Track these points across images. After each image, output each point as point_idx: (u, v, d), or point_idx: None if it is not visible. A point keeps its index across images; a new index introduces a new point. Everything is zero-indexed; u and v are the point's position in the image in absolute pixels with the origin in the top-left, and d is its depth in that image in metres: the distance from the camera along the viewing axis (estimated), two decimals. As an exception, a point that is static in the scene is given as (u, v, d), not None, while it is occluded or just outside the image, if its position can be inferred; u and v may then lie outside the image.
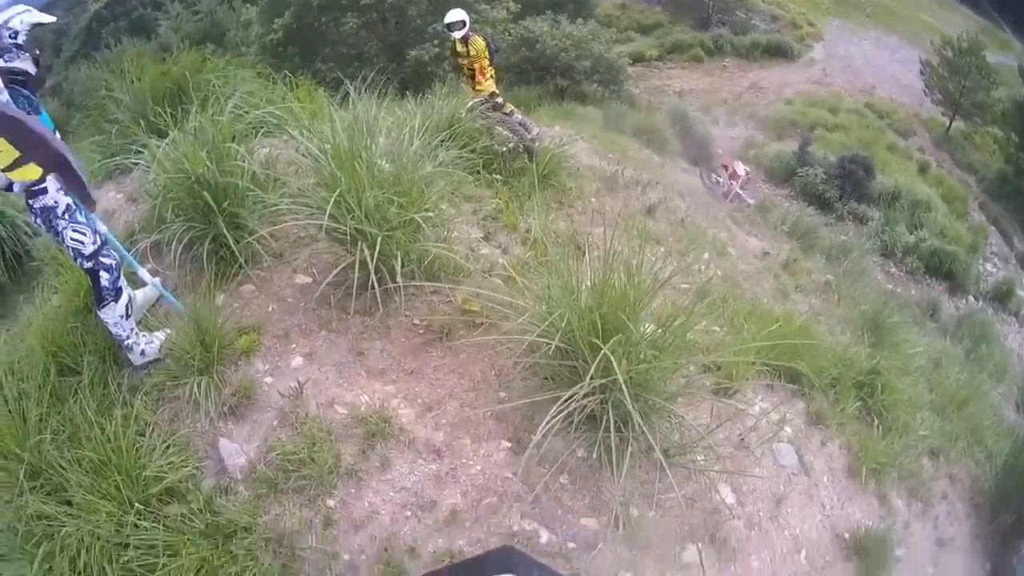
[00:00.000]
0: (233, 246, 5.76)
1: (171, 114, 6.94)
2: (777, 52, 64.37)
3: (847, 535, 6.38)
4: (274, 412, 5.13)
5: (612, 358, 4.50)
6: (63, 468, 4.78)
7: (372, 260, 5.32)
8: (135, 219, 6.58)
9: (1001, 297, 37.04)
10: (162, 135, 6.43)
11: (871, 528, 6.55)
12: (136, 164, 6.87)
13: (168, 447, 4.93)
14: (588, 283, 5.16)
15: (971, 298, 35.85)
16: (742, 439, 6.03)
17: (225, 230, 5.74)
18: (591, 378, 4.55)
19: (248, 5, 43.48)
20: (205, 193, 5.70)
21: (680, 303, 5.48)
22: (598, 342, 4.65)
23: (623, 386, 4.43)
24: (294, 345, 5.51)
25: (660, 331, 5.08)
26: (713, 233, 12.29)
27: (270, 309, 5.74)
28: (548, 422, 4.50)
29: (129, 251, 5.65)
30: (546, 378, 5.24)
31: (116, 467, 4.74)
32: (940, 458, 8.67)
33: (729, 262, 11.06)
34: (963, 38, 55.41)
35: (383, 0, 35.08)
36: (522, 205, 8.15)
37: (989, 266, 40.84)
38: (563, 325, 4.87)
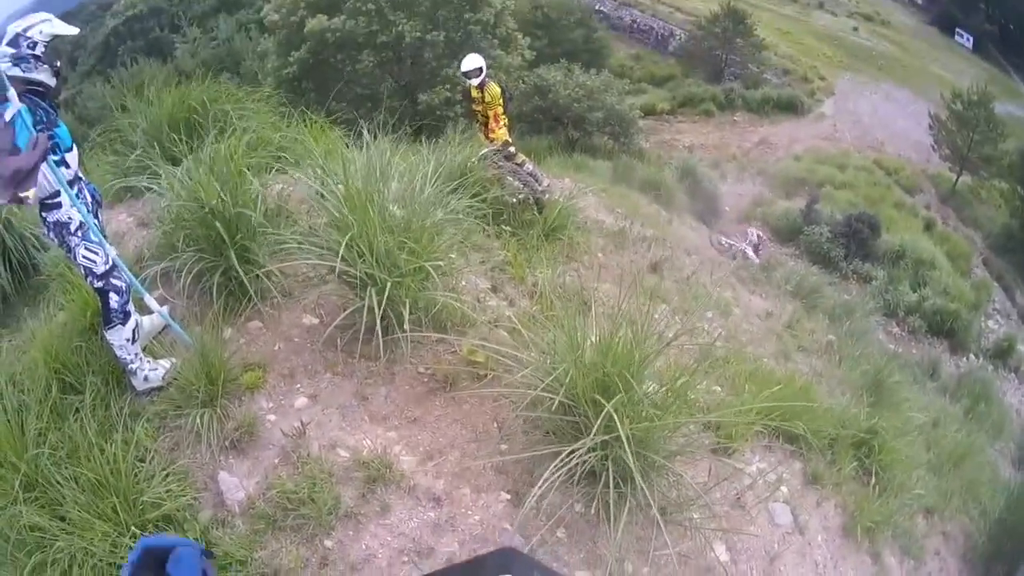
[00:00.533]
0: (244, 280, 5.80)
1: (186, 141, 7.07)
2: (788, 107, 64.92)
3: None
4: (276, 450, 5.16)
5: (615, 416, 4.56)
6: (60, 484, 4.82)
7: (380, 306, 5.38)
8: (145, 244, 6.61)
9: (1002, 353, 37.31)
10: (176, 162, 6.53)
11: None
12: (149, 189, 6.86)
13: (167, 475, 4.95)
14: (593, 339, 5.22)
15: (972, 356, 36.01)
16: (738, 498, 6.07)
17: (236, 264, 5.78)
18: (593, 435, 4.61)
19: (266, 35, 43.58)
20: (218, 224, 5.73)
21: (683, 362, 5.55)
22: (601, 399, 4.71)
23: (625, 444, 4.50)
24: (299, 385, 5.54)
25: (663, 390, 5.15)
26: (718, 292, 12.34)
27: (276, 347, 5.77)
28: (549, 476, 4.56)
29: (138, 276, 5.65)
30: (548, 432, 5.31)
31: (114, 489, 4.76)
32: (935, 516, 8.76)
33: (732, 322, 11.10)
34: (973, 90, 55.50)
35: (400, 40, 35.40)
36: (530, 257, 8.24)
37: (991, 323, 41.11)
38: (567, 380, 4.92)
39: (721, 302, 11.67)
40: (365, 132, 6.50)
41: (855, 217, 39.92)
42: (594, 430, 4.61)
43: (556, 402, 4.91)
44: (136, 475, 4.90)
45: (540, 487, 4.55)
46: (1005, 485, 11.44)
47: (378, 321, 5.40)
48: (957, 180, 55.98)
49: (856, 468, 7.78)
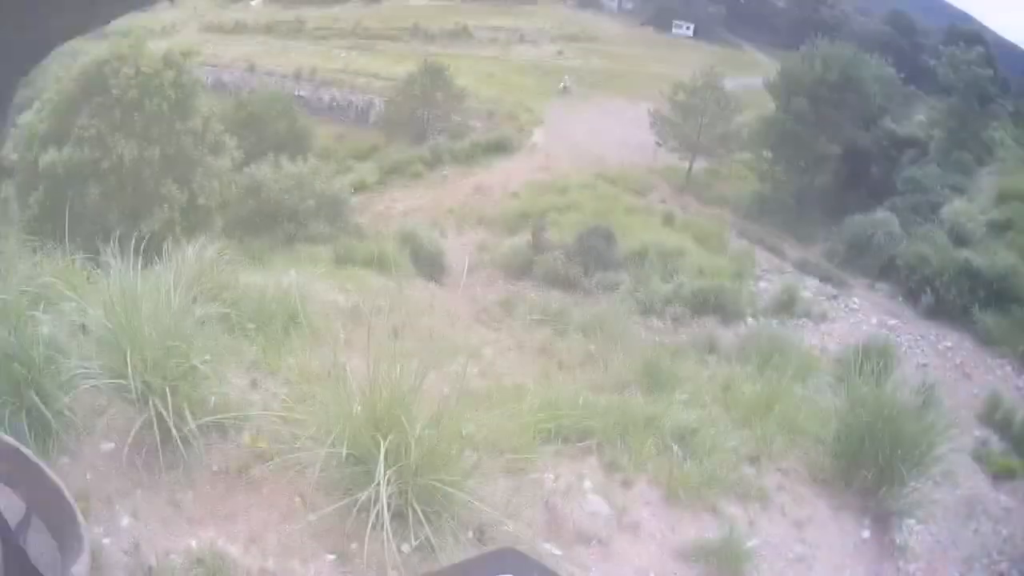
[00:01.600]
0: (48, 416, 5.86)
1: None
2: (498, 148, 68.05)
3: (688, 550, 6.85)
4: (120, 570, 5.28)
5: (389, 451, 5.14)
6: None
7: (169, 413, 5.73)
8: None
9: (785, 307, 40.18)
10: None
11: (710, 537, 7.02)
12: None
13: None
14: (358, 396, 5.73)
15: (749, 320, 37.79)
16: (546, 503, 6.53)
17: (39, 401, 5.84)
18: (381, 470, 5.11)
19: (6, 179, 43.00)
20: (15, 364, 5.83)
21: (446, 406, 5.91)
22: (379, 437, 5.24)
23: (412, 470, 5.19)
24: (118, 507, 5.69)
25: (431, 428, 5.62)
26: (464, 338, 12.57)
27: (88, 476, 5.90)
28: (358, 528, 5.18)
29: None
30: (348, 489, 5.62)
31: None
32: (762, 460, 9.14)
33: (485, 362, 11.66)
34: (697, 76, 57.52)
35: (120, 163, 36.21)
36: (278, 349, 8.57)
37: (763, 284, 43.82)
38: (345, 435, 5.45)
39: (469, 347, 12.08)
40: (111, 260, 6.76)
41: (586, 233, 42.25)
42: (380, 461, 5.11)
43: (344, 455, 5.48)
44: None
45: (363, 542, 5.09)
46: (832, 408, 11.78)
47: (171, 428, 5.74)
48: (690, 167, 59.14)
49: (655, 446, 8.16)
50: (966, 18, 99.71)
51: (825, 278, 45.10)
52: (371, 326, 9.10)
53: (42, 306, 7.17)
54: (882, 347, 25.26)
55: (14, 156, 38.61)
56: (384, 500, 5.01)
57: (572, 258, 40.12)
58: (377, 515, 5.01)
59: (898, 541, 9.11)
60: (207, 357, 6.27)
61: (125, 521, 5.59)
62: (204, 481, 6.01)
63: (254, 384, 7.44)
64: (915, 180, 51.74)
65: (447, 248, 40.87)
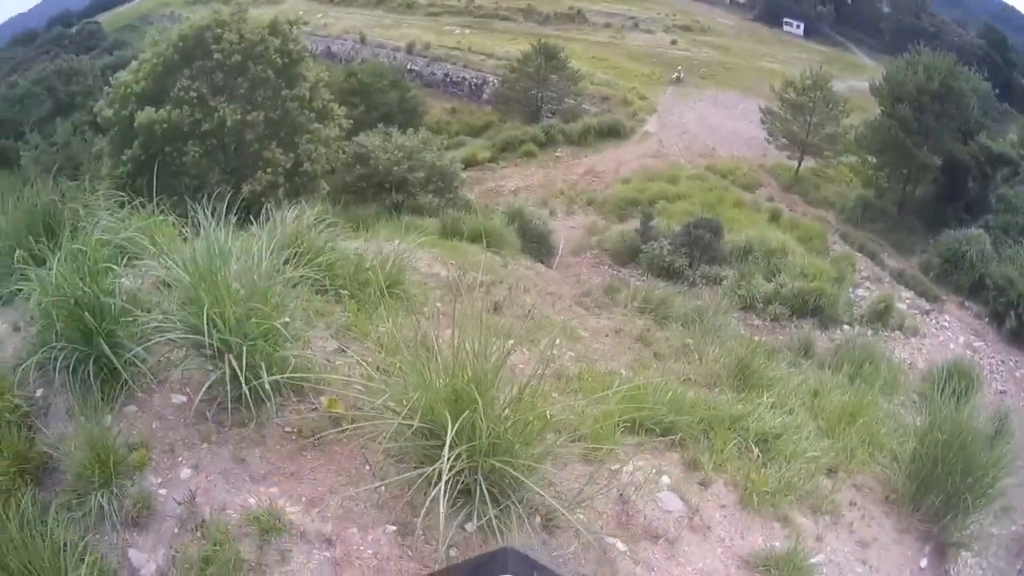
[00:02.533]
0: (118, 365, 5.92)
1: (45, 243, 7.13)
2: (610, 133, 67.19)
3: (752, 558, 6.62)
4: (173, 520, 5.29)
5: (464, 428, 4.96)
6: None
7: (241, 370, 5.59)
8: (22, 346, 6.68)
9: (880, 316, 39.39)
10: (39, 263, 6.61)
11: (778, 547, 6.81)
12: (18, 293, 7.00)
13: (82, 561, 5.00)
14: (439, 364, 5.55)
15: (845, 327, 37.40)
16: (621, 495, 6.33)
17: (107, 350, 5.91)
18: (449, 447, 4.88)
19: (100, 136, 43.41)
20: (86, 314, 5.87)
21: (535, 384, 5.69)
22: (452, 412, 5.05)
23: (483, 450, 5.01)
24: (180, 458, 5.68)
25: (513, 403, 5.40)
26: (563, 319, 12.42)
27: (153, 426, 5.90)
28: (423, 501, 4.93)
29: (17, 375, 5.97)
30: (418, 462, 5.49)
31: None
32: (839, 473, 8.96)
33: (582, 344, 11.38)
34: (806, 75, 56.96)
35: (222, 125, 36.27)
36: (370, 315, 8.40)
37: (861, 291, 42.77)
38: (422, 405, 5.27)
39: (567, 328, 11.84)
40: (201, 218, 6.64)
41: (694, 224, 41.36)
42: (448, 442, 4.89)
43: (415, 427, 5.28)
44: (57, 564, 4.95)
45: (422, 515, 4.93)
46: (914, 429, 11.60)
47: (244, 387, 5.62)
48: (799, 166, 57.75)
49: (737, 447, 8.00)
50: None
51: (920, 291, 44.06)
52: (464, 299, 9.19)
53: (124, 259, 7.28)
54: (966, 370, 24.83)
55: (108, 112, 38.80)
56: (447, 476, 4.83)
57: (678, 248, 39.78)
58: (441, 491, 4.83)
59: (948, 570, 8.92)
60: (288, 319, 6.21)
61: (185, 472, 5.59)
62: (274, 441, 5.96)
63: (340, 350, 7.36)
64: (1007, 200, 50.45)
65: (555, 229, 40.26)
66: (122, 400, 6.05)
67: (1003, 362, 39.63)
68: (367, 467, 5.82)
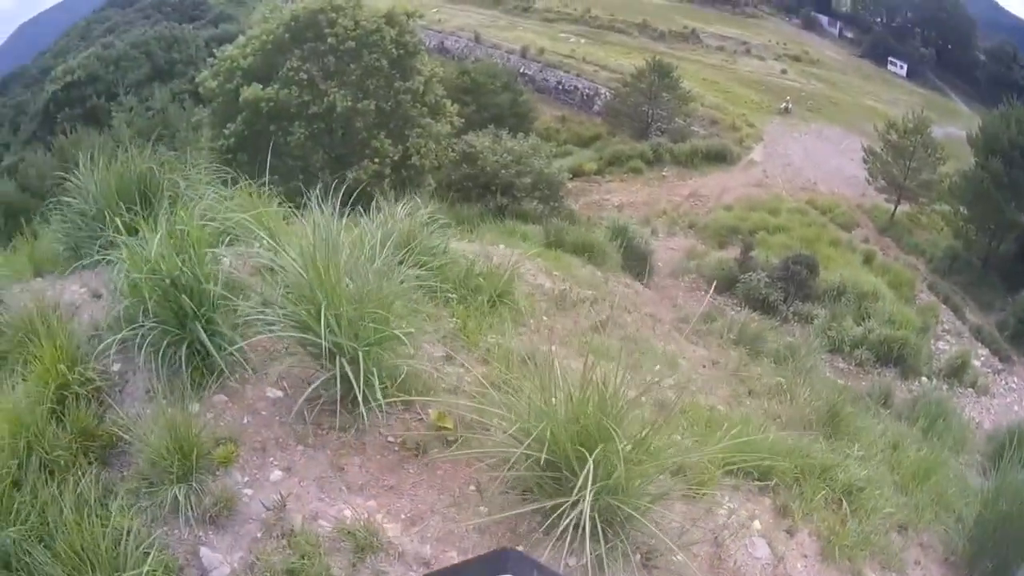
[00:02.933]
0: (215, 354, 5.74)
1: (137, 212, 7.09)
2: (717, 157, 66.32)
3: None
4: (257, 524, 5.10)
5: (594, 467, 4.69)
6: (37, 565, 4.68)
7: (360, 377, 5.43)
8: (101, 316, 6.58)
9: (956, 371, 38.32)
10: (130, 231, 6.41)
11: None
12: (102, 259, 6.84)
13: (146, 553, 4.80)
14: (564, 396, 5.30)
15: (924, 379, 36.58)
16: (716, 538, 6.18)
17: (205, 338, 5.73)
18: (579, 489, 4.71)
19: (200, 106, 43.76)
20: (184, 297, 5.68)
21: (645, 416, 5.64)
22: (584, 451, 4.82)
23: (608, 494, 4.77)
24: (272, 459, 5.50)
25: (637, 441, 5.25)
26: (663, 346, 12.40)
27: (245, 421, 5.73)
28: (534, 531, 4.92)
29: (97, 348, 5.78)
30: (526, 490, 5.36)
31: (93, 567, 4.64)
32: (909, 530, 8.84)
33: (681, 373, 11.12)
34: (908, 119, 56.03)
35: (332, 110, 35.77)
36: (479, 324, 8.29)
37: (942, 344, 42.09)
38: (547, 437, 4.99)
39: (667, 355, 11.71)
40: (313, 204, 6.48)
41: (792, 259, 40.69)
42: (578, 484, 4.72)
43: (539, 459, 5.00)
44: (115, 553, 4.75)
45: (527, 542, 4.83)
46: (977, 491, 11.59)
47: (359, 390, 5.45)
48: (895, 210, 56.67)
49: (824, 497, 7.89)
50: None
51: (994, 350, 43.21)
52: (569, 314, 9.17)
53: (226, 240, 7.13)
54: (1027, 434, 24.60)
55: (212, 84, 38.69)
56: (571, 515, 4.68)
57: (775, 282, 39.28)
58: (551, 525, 4.78)
59: None
60: (407, 328, 6.07)
61: (276, 474, 5.38)
62: (375, 450, 5.74)
63: (449, 357, 7.18)
64: (1083, 262, 49.03)
65: (656, 248, 39.89)
66: (213, 388, 5.84)
67: (1067, 429, 38.74)
68: (471, 488, 5.63)
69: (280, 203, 8.69)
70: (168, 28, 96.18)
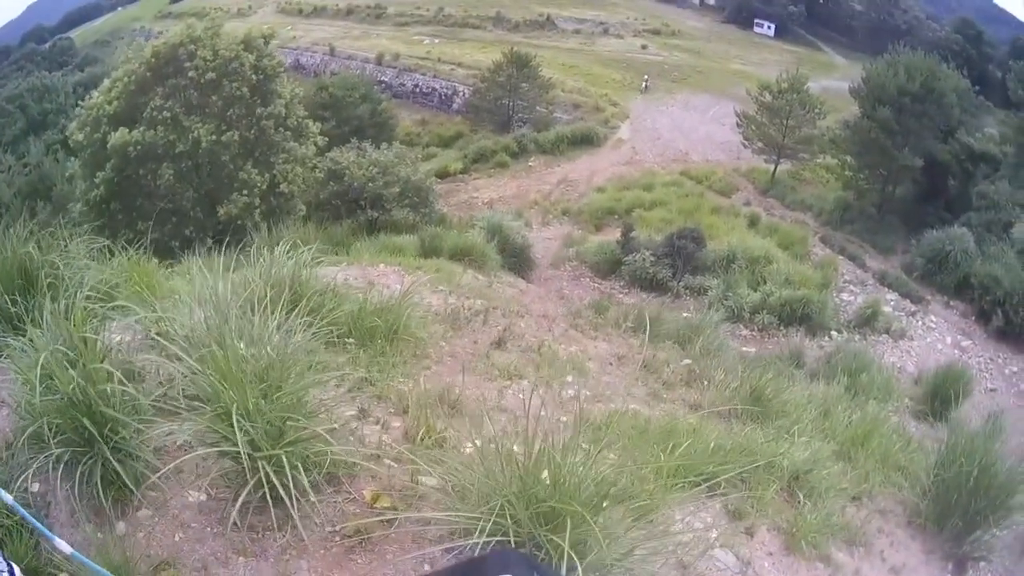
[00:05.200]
0: (122, 473, 5.26)
1: (18, 302, 6.67)
2: (583, 140, 68.06)
3: None
4: None
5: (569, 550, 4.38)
6: None
7: (286, 479, 5.05)
8: (8, 429, 5.91)
9: (867, 321, 39.45)
10: (16, 328, 6.13)
11: None
12: None
13: None
14: (510, 470, 5.00)
15: (834, 333, 37.82)
16: (680, 560, 5.96)
17: (110, 456, 5.22)
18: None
19: (72, 158, 43.24)
20: (84, 420, 5.18)
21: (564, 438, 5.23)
22: (557, 539, 4.51)
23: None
24: None
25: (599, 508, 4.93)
26: (564, 348, 12.15)
27: (176, 538, 5.22)
28: None
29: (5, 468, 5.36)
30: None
31: None
32: (863, 500, 8.97)
33: (592, 379, 10.91)
34: (782, 78, 57.11)
35: (197, 146, 35.67)
36: (381, 368, 7.96)
37: (846, 295, 43.06)
38: (508, 514, 4.72)
39: (575, 361, 11.48)
40: (197, 269, 6.40)
41: (677, 235, 41.44)
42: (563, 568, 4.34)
43: (512, 542, 4.65)
44: None
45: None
46: (920, 443, 11.91)
47: (285, 497, 5.02)
48: (775, 169, 57.93)
49: (775, 489, 7.89)
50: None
51: (904, 293, 44.07)
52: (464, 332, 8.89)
53: (115, 316, 6.79)
54: (958, 374, 24.82)
55: (79, 136, 37.90)
56: None
57: (661, 259, 39.88)
58: None
59: None
60: (334, 426, 5.70)
61: None
62: (317, 546, 5.28)
63: (362, 413, 6.80)
64: (987, 196, 50.10)
65: (532, 241, 39.67)
66: (135, 504, 5.38)
67: (992, 360, 39.90)
68: (427, 567, 5.22)
69: (155, 252, 8.61)
70: (39, 78, 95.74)
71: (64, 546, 4.41)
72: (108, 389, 5.33)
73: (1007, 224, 47.50)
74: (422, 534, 5.29)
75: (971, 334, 42.18)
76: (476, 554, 4.58)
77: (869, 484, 9.31)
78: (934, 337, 40.92)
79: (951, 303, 44.27)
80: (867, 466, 9.73)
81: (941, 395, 20.82)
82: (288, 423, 5.26)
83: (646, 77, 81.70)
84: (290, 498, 5.01)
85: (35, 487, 5.42)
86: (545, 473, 4.81)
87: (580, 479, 4.87)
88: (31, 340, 5.67)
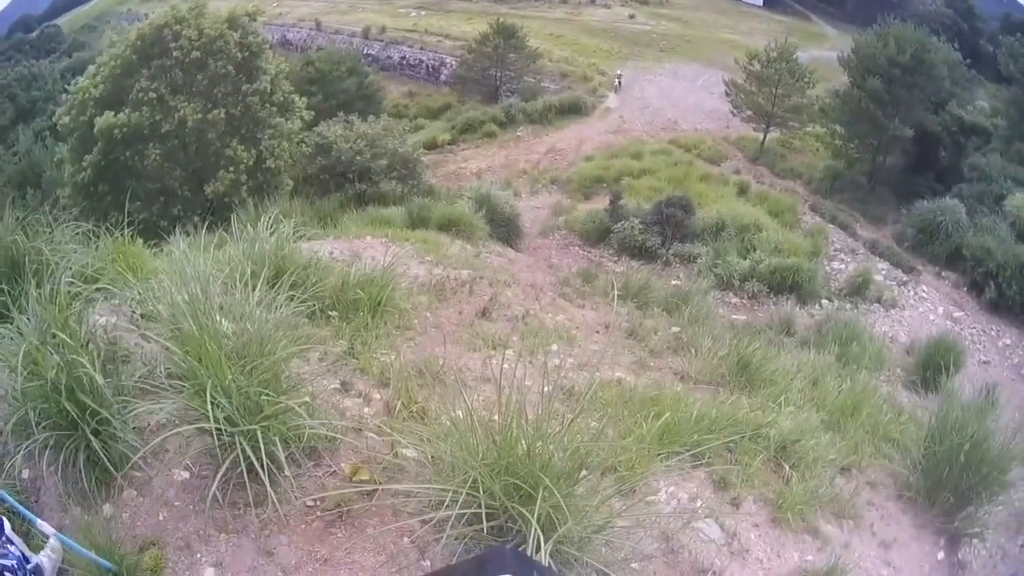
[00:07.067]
0: (103, 456, 5.25)
1: (7, 294, 6.54)
2: (571, 110, 67.03)
3: None
4: None
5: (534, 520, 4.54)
6: None
7: (258, 456, 5.05)
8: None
9: (858, 289, 39.07)
10: (3, 317, 6.09)
11: (812, 562, 6.80)
12: None
13: None
14: (485, 440, 5.07)
15: (824, 301, 37.42)
16: (663, 532, 6.05)
17: (93, 440, 5.23)
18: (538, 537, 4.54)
19: (60, 144, 43.08)
20: (67, 404, 5.19)
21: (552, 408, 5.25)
22: (524, 512, 4.62)
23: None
24: (199, 555, 5.08)
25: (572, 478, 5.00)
26: (551, 317, 12.09)
27: (160, 517, 5.24)
28: None
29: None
30: (469, 538, 5.04)
31: None
32: (852, 471, 8.94)
33: (579, 347, 10.83)
34: (771, 47, 56.57)
35: (183, 125, 35.52)
36: (366, 340, 7.92)
37: (836, 264, 42.70)
38: (480, 487, 4.78)
39: (560, 330, 11.47)
40: (177, 248, 6.32)
41: (665, 202, 40.91)
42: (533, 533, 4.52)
43: (483, 513, 4.77)
44: None
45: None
46: (912, 414, 11.89)
47: (262, 472, 5.05)
48: (764, 138, 57.22)
49: (762, 460, 7.85)
50: (1020, 7, 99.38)
51: (895, 262, 43.80)
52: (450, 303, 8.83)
53: (100, 297, 6.79)
54: (950, 345, 24.80)
55: (66, 119, 37.93)
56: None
57: (650, 227, 39.64)
58: None
59: (960, 557, 9.00)
60: (307, 399, 5.64)
61: (208, 573, 5.01)
62: (298, 521, 5.36)
63: (344, 388, 6.79)
64: (979, 168, 50.03)
65: (521, 210, 39.37)
66: (119, 485, 5.40)
67: (984, 332, 39.74)
68: (407, 540, 5.30)
69: (144, 232, 8.61)
70: (27, 66, 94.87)
71: (47, 528, 4.58)
72: (87, 373, 5.31)
73: (999, 196, 47.26)
74: (402, 507, 5.32)
75: (963, 305, 42.06)
76: (475, 554, 4.67)
77: (859, 455, 9.31)
78: (926, 307, 40.83)
79: (943, 274, 44.06)
80: (857, 437, 9.73)
81: (933, 366, 21.06)
82: (264, 398, 5.27)
83: (619, 73, 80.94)
84: (266, 472, 5.04)
85: (25, 473, 5.49)
86: (522, 443, 4.84)
87: (555, 448, 4.90)
88: (17, 327, 5.72)
